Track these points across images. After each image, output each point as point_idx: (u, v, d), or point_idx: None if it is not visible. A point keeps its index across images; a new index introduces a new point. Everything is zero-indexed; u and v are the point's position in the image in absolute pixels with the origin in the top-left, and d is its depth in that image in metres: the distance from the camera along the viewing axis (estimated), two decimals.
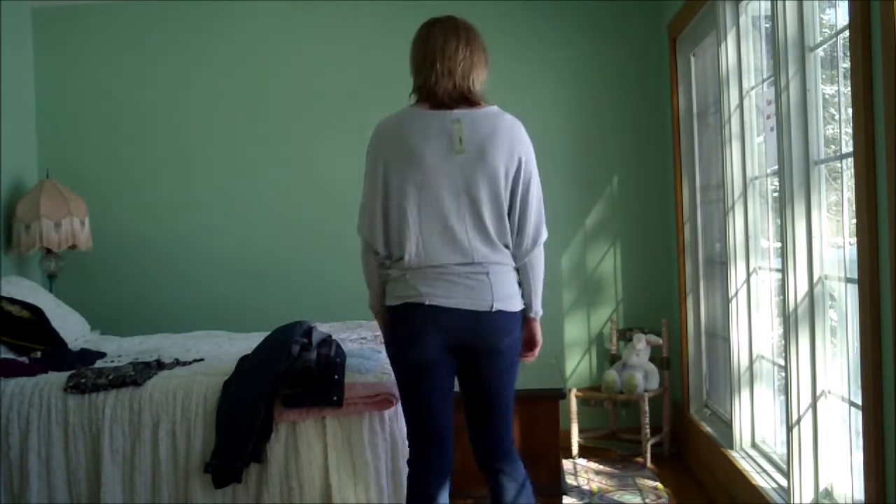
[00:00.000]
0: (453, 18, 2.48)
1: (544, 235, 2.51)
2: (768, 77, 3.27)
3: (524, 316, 2.54)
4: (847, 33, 2.35)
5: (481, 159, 2.38)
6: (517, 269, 2.51)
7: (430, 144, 2.39)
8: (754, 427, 3.50)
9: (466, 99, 2.42)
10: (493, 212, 2.41)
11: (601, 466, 4.31)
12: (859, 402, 2.33)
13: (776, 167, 3.01)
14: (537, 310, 2.56)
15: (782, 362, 3.04)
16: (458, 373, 2.52)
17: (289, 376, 2.88)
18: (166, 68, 4.89)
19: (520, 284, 2.53)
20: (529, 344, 2.61)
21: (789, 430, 2.81)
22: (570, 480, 4.06)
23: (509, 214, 2.45)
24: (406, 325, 2.45)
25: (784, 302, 2.85)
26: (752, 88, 3.47)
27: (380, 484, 2.86)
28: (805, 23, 2.76)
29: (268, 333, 3.29)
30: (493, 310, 2.40)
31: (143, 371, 3.11)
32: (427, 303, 2.40)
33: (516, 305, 2.48)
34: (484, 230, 2.41)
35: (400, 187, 2.42)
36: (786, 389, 2.86)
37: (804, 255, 2.76)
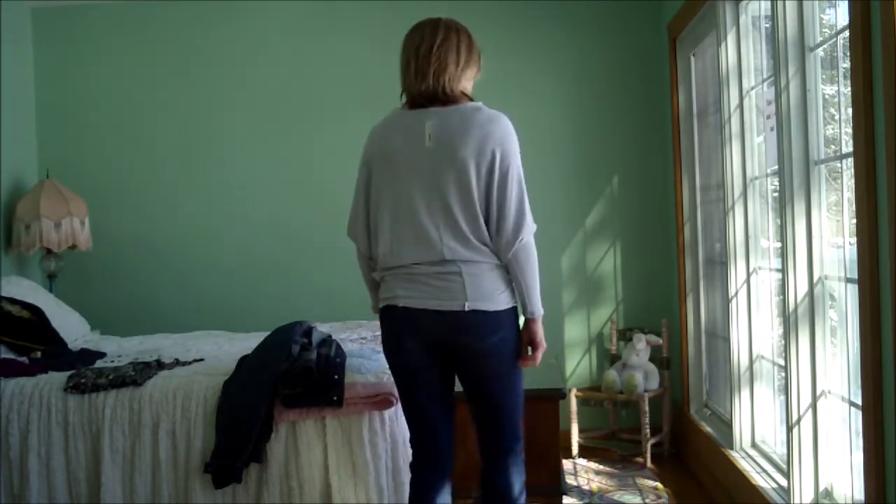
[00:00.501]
0: (436, 20, 2.47)
1: (528, 229, 2.38)
2: (768, 77, 3.27)
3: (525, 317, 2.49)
4: (847, 33, 2.35)
5: (450, 157, 2.36)
6: (505, 267, 2.41)
7: (404, 144, 2.43)
8: (754, 427, 3.50)
9: (439, 98, 2.41)
10: (465, 209, 2.36)
11: (601, 466, 4.31)
12: (859, 402, 2.33)
13: (776, 167, 3.01)
14: (532, 310, 2.43)
15: (782, 362, 3.04)
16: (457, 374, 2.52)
17: (289, 376, 2.88)
18: (166, 68, 4.89)
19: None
20: (531, 346, 2.49)
21: (789, 430, 2.81)
22: (570, 480, 4.06)
23: (487, 209, 2.37)
24: (388, 328, 2.49)
25: (784, 302, 2.85)
26: (752, 88, 3.47)
27: (380, 484, 2.86)
28: (805, 23, 2.76)
29: (268, 333, 3.29)
30: (467, 309, 2.34)
31: (143, 371, 3.11)
32: (401, 304, 2.41)
33: (499, 304, 2.38)
34: (457, 228, 2.36)
35: (378, 188, 2.47)
36: (786, 389, 2.86)
37: (804, 255, 2.76)
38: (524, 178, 2.42)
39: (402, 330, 2.43)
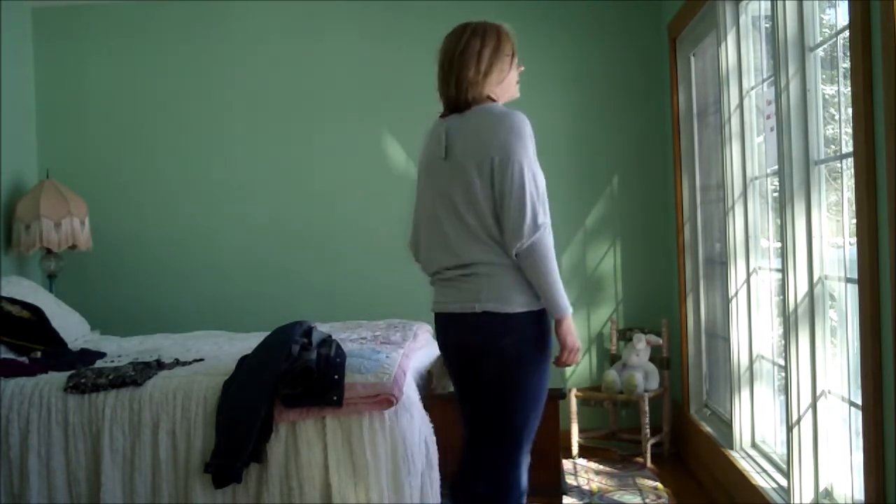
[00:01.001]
0: (464, 26, 2.51)
1: (528, 231, 2.31)
2: (768, 77, 3.27)
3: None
4: (847, 33, 2.35)
5: (458, 163, 2.40)
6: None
7: (429, 154, 2.53)
8: (754, 427, 3.50)
9: (460, 106, 2.45)
10: (476, 214, 2.37)
11: (601, 466, 4.31)
12: (859, 402, 2.33)
13: (776, 167, 3.01)
14: (553, 310, 2.37)
15: (782, 362, 3.04)
16: None
17: (289, 376, 2.88)
18: (166, 68, 4.89)
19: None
20: (561, 347, 2.42)
21: (789, 430, 2.81)
22: (570, 480, 4.06)
23: (497, 212, 2.38)
24: (435, 331, 2.63)
25: (784, 302, 2.85)
26: (752, 88, 3.47)
27: (380, 484, 2.85)
28: (805, 23, 2.76)
29: (268, 333, 3.29)
30: (479, 310, 2.36)
31: (143, 371, 3.11)
32: (434, 311, 2.54)
33: (512, 307, 2.35)
34: (472, 232, 2.38)
35: (417, 198, 2.60)
36: (786, 389, 2.85)
37: (804, 255, 2.76)
38: (535, 175, 2.36)
39: (438, 334, 2.58)
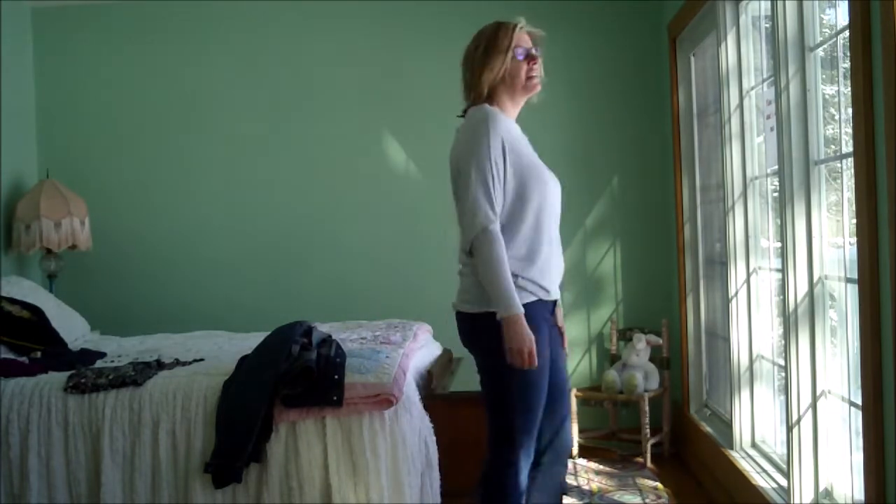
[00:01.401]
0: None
1: (470, 230, 2.35)
2: (768, 77, 3.27)
3: None
4: (847, 33, 2.35)
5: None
6: None
7: None
8: (754, 427, 3.50)
9: (465, 110, 2.53)
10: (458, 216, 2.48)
11: (601, 466, 4.31)
12: (859, 402, 2.33)
13: (776, 167, 3.01)
14: (497, 311, 2.32)
15: (782, 362, 3.04)
16: None
17: (289, 376, 2.88)
18: (166, 68, 4.89)
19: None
20: None
21: (789, 430, 2.81)
22: (570, 480, 4.06)
23: None
24: None
25: (784, 302, 2.85)
26: (752, 88, 3.47)
27: (380, 484, 2.86)
28: (805, 23, 2.77)
29: (268, 333, 3.29)
30: (454, 310, 2.50)
31: (143, 371, 3.11)
32: None
33: (473, 307, 2.41)
34: (460, 233, 2.48)
35: None
36: (786, 389, 2.86)
37: (804, 255, 2.76)
38: (485, 174, 2.34)
39: None
